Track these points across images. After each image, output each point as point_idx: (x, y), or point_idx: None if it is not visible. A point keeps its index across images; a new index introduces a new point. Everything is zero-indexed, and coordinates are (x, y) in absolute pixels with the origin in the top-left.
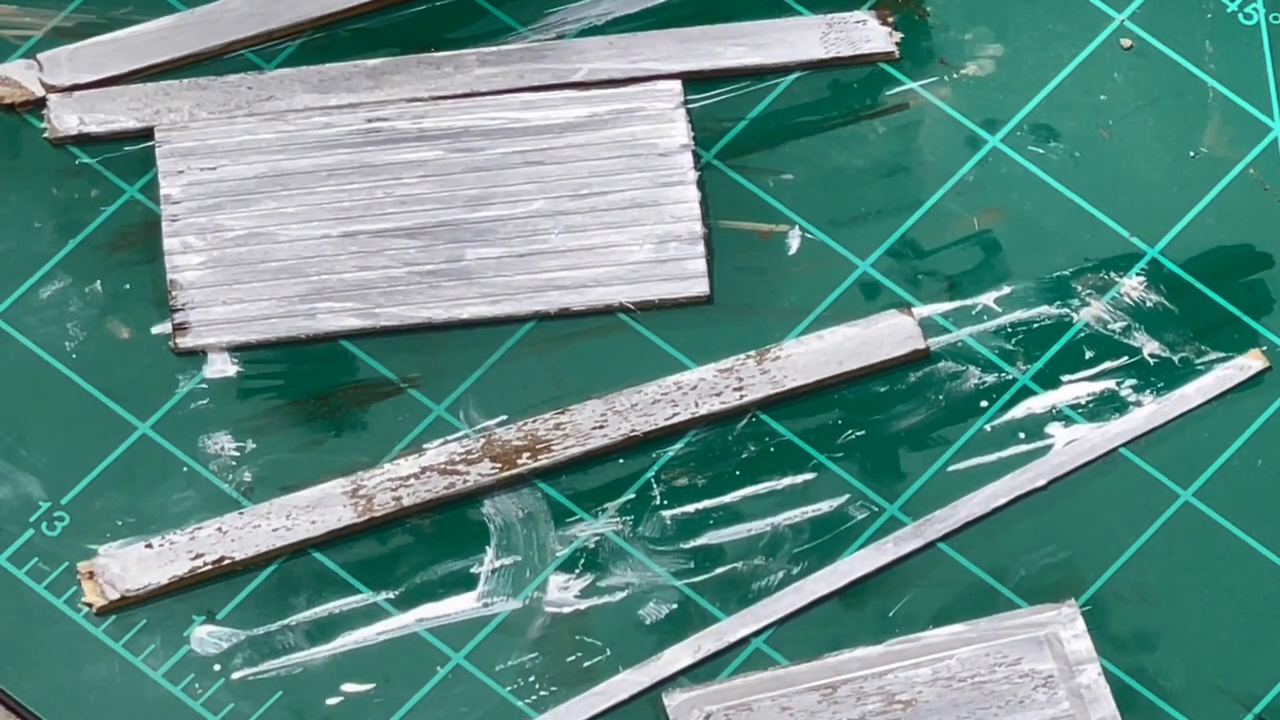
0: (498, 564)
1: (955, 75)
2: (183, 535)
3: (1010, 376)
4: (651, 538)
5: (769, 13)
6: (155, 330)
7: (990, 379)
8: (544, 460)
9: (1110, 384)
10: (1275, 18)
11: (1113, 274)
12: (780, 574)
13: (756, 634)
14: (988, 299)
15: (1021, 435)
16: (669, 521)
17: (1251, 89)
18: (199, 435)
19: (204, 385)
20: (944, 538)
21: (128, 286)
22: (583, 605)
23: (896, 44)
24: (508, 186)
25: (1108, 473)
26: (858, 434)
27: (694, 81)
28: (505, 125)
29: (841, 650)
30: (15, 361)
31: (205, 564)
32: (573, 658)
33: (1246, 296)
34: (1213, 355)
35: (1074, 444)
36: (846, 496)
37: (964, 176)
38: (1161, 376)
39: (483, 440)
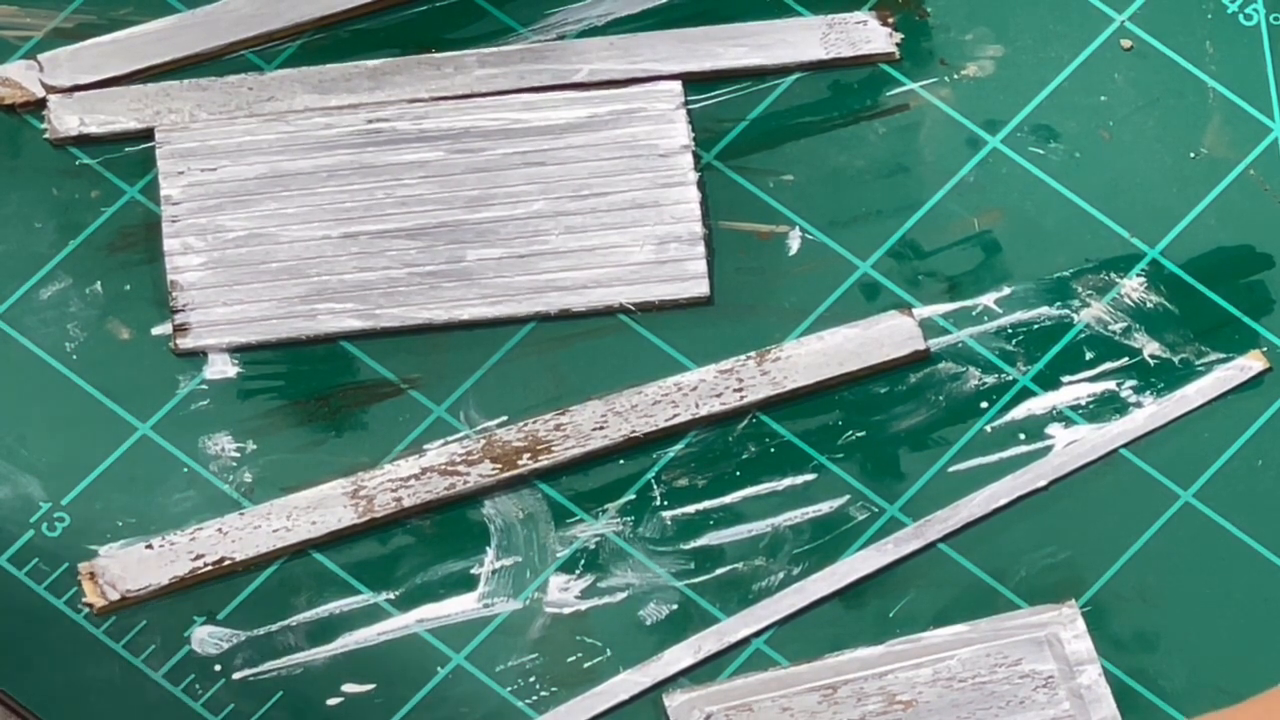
0: (498, 565)
1: (955, 76)
2: (183, 536)
3: (1010, 377)
4: (652, 538)
5: (769, 13)
6: (155, 331)
7: (990, 380)
8: (544, 461)
9: (1110, 385)
10: (1275, 18)
11: (1113, 275)
12: (781, 574)
13: (757, 634)
14: (988, 300)
15: (1022, 436)
16: (669, 522)
17: (1251, 90)
18: (199, 436)
19: (204, 386)
20: (944, 538)
21: (128, 287)
22: (583, 606)
23: (897, 45)
24: (508, 187)
25: (1108, 473)
26: (858, 435)
27: (694, 82)
28: (506, 126)
29: (842, 651)
30: (15, 362)
31: (205, 564)
32: (573, 658)
33: (1247, 297)
34: (1213, 356)
35: (1074, 445)
36: (847, 497)
37: (964, 177)
38: (1162, 377)
39: (483, 441)
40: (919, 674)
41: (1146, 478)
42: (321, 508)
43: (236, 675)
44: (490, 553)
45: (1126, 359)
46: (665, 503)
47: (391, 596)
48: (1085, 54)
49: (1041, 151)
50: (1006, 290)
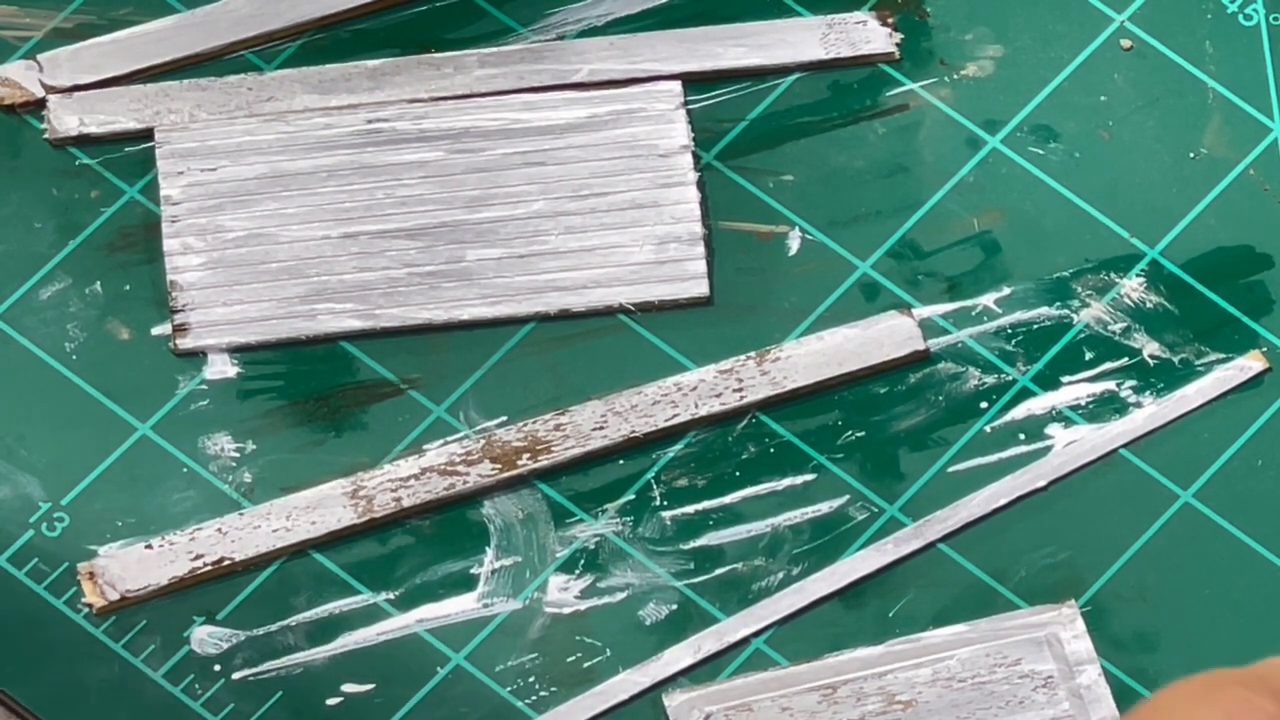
0: (498, 565)
1: (955, 76)
2: (183, 536)
3: (1010, 377)
4: (651, 538)
5: (769, 13)
6: (155, 331)
7: (990, 380)
8: (544, 461)
9: (1110, 385)
10: (1275, 18)
11: (1113, 275)
12: (780, 574)
13: (757, 634)
14: (988, 300)
15: (1021, 436)
16: (669, 522)
17: (1251, 90)
18: (199, 436)
19: (204, 386)
20: (944, 538)
21: (128, 287)
22: (583, 606)
23: (897, 45)
24: (508, 187)
25: (1108, 474)
26: (857, 435)
27: (694, 82)
28: (506, 126)
29: (841, 651)
30: (15, 362)
31: (205, 564)
32: (573, 658)
33: (1246, 297)
34: (1213, 356)
35: (1074, 445)
36: (846, 497)
37: (964, 177)
38: (1161, 378)
39: (483, 441)
40: (919, 674)
41: (1146, 478)
42: (321, 508)
43: (236, 675)
44: (490, 553)
45: (1126, 359)
46: (665, 503)
47: (391, 596)
48: (1085, 54)
49: (1041, 151)
50: (1006, 290)
